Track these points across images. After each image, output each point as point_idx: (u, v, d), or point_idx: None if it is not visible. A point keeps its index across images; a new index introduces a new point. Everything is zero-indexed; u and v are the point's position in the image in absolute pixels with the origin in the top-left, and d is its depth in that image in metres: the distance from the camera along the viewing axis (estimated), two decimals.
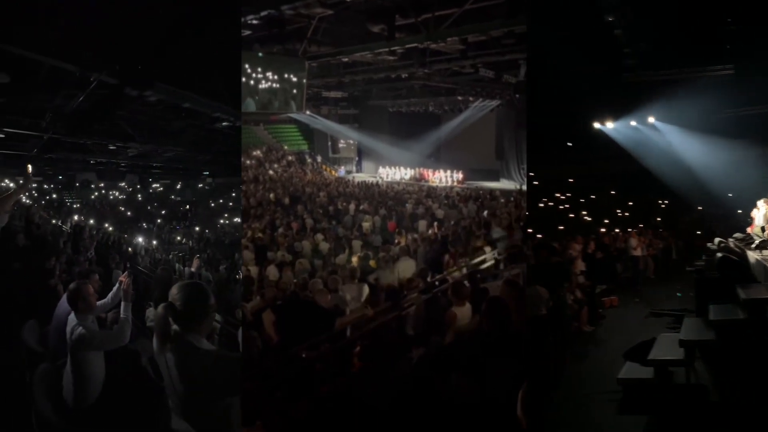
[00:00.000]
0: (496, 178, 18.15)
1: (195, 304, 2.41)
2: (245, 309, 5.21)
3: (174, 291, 2.41)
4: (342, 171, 21.51)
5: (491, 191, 15.77)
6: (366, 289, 5.16)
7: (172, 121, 11.40)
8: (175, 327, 2.40)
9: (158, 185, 21.95)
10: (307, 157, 22.76)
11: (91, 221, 15.17)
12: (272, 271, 9.00)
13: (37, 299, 5.22)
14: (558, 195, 12.78)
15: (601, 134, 10.73)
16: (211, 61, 6.98)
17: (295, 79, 14.59)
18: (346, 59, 14.74)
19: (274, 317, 4.65)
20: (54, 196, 19.43)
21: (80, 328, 3.25)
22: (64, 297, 3.89)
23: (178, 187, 22.39)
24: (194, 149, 14.48)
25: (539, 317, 4.79)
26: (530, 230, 8.45)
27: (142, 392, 3.44)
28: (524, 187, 15.09)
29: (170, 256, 14.33)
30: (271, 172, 19.67)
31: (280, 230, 11.99)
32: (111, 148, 13.93)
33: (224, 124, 11.67)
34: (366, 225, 12.39)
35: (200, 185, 22.33)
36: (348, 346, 4.09)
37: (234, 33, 7.91)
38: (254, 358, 4.13)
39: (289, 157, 22.21)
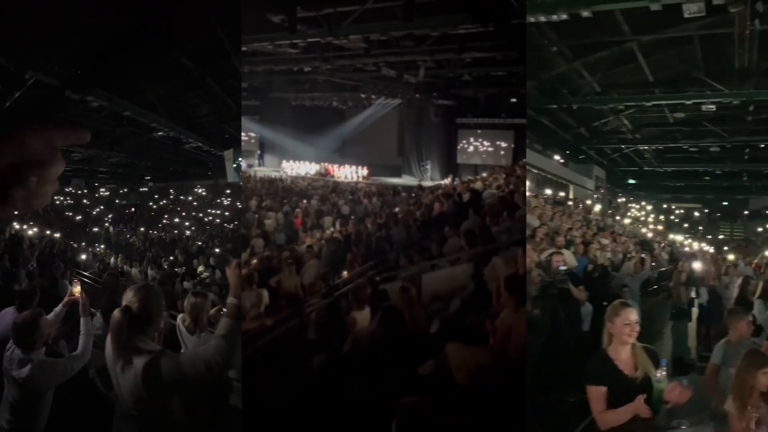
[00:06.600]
0: (399, 174, 18.76)
1: (150, 305, 2.44)
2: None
3: (129, 294, 2.43)
4: (243, 165, 20.50)
5: (394, 187, 16.28)
6: (266, 296, 5.04)
7: (114, 128, 11.88)
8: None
9: (104, 189, 22.96)
10: None
11: (34, 230, 14.43)
12: None
13: None
14: None
15: None
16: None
17: None
18: (245, 48, 14.04)
19: None
20: None
21: (36, 362, 2.85)
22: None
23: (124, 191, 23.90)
24: (136, 156, 15.31)
25: None
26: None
27: (91, 406, 3.32)
28: (424, 183, 15.92)
29: (117, 259, 13.92)
30: None
31: None
32: None
33: (160, 134, 13.03)
34: (269, 222, 12.04)
35: (142, 189, 24.02)
36: (250, 355, 4.01)
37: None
38: None
39: None
